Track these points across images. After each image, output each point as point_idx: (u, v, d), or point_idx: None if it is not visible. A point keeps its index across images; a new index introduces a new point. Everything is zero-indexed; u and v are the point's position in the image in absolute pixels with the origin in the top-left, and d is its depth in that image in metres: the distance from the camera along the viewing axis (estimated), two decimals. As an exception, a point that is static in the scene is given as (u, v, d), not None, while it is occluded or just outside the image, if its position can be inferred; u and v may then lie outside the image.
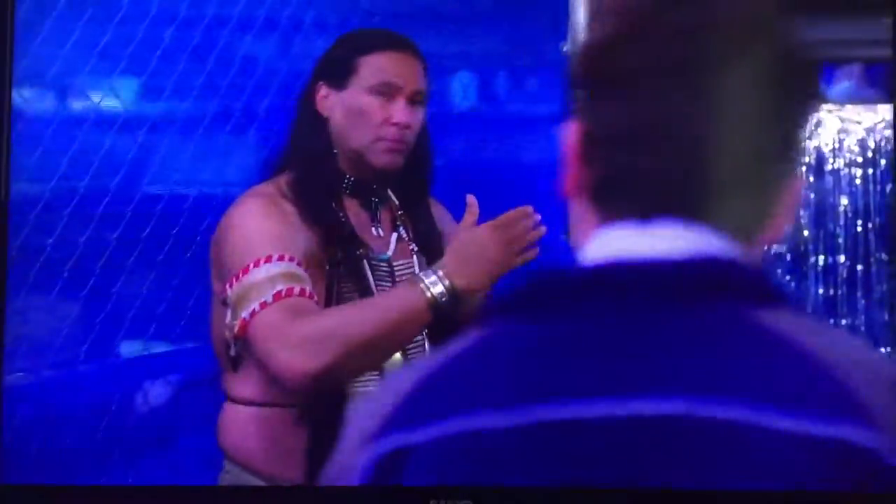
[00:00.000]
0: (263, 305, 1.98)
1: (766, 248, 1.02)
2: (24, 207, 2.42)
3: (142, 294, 2.60)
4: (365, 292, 2.09)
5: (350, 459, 0.99)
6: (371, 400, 1.04)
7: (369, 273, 2.11)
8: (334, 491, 2.00)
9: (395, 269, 2.17)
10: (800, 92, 1.00)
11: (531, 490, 0.94)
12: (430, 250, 2.20)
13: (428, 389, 0.97)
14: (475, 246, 2.01)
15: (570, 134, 1.01)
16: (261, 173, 2.20)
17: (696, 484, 0.89)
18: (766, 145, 0.99)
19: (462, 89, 2.88)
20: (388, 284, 2.13)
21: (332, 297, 2.06)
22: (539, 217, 2.05)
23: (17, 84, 1.97)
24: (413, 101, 2.15)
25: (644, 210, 0.97)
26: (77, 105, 2.58)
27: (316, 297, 2.02)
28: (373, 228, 2.18)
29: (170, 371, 2.64)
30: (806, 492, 0.88)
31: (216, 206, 2.24)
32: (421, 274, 2.02)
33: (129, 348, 2.63)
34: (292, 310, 1.97)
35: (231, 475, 2.12)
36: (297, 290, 1.99)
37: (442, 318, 1.98)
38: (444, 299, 1.98)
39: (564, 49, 2.76)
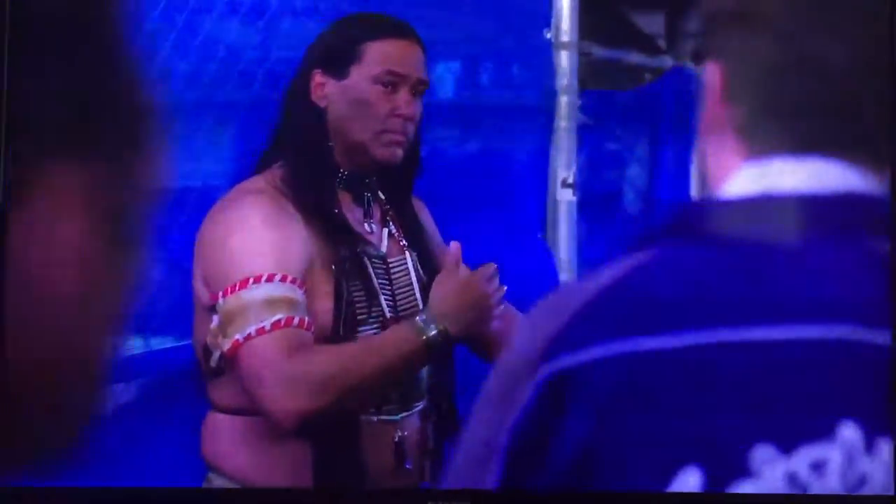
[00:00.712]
0: (261, 332, 1.90)
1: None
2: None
3: (147, 289, 2.47)
4: (370, 292, 2.04)
5: (514, 384, 1.00)
6: (532, 324, 1.06)
7: (371, 271, 2.05)
8: (334, 491, 1.94)
9: (391, 265, 2.11)
10: None
11: (530, 492, 0.98)
12: (420, 247, 2.16)
13: (591, 311, 1.00)
14: (467, 295, 2.03)
15: (712, 72, 1.04)
16: (248, 167, 2.10)
17: (858, 404, 0.96)
18: None
19: (441, 77, 2.79)
20: (385, 282, 2.08)
21: (341, 297, 2.00)
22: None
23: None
24: (416, 91, 2.07)
25: (796, 145, 1.01)
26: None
27: (313, 328, 1.96)
28: (365, 224, 2.10)
29: (166, 368, 2.52)
30: (809, 494, 0.95)
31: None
32: (417, 318, 2.01)
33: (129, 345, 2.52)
34: (290, 343, 1.91)
35: (216, 486, 2.04)
36: (296, 320, 1.92)
37: (436, 359, 2.04)
38: (439, 342, 1.99)
39: (548, 35, 2.70)
